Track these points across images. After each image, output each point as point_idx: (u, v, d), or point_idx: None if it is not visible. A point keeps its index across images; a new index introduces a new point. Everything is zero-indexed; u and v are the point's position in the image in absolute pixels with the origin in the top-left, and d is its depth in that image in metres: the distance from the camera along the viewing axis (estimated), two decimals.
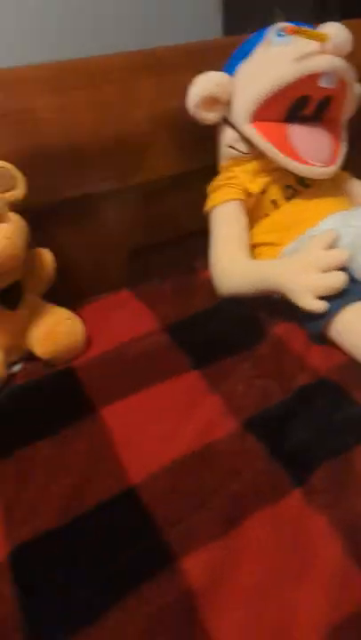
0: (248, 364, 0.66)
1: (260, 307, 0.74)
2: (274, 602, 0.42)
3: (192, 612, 0.42)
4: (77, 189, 0.80)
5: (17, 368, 0.71)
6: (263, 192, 0.81)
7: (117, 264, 0.88)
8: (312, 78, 0.73)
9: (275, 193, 0.81)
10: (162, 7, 1.68)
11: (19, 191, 0.69)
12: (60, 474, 0.55)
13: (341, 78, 0.76)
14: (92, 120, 0.80)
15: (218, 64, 0.82)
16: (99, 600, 0.43)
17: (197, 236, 0.82)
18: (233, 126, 0.81)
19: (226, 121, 0.82)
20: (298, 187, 0.81)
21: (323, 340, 0.67)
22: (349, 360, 0.64)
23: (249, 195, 0.81)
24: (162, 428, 0.59)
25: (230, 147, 0.83)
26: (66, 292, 0.79)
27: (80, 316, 0.75)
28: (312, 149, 0.79)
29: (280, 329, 0.71)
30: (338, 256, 0.66)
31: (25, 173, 0.71)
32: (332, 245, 0.68)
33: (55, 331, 0.71)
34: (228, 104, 0.80)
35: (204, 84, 0.79)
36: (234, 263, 0.77)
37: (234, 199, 0.81)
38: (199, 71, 0.80)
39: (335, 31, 0.73)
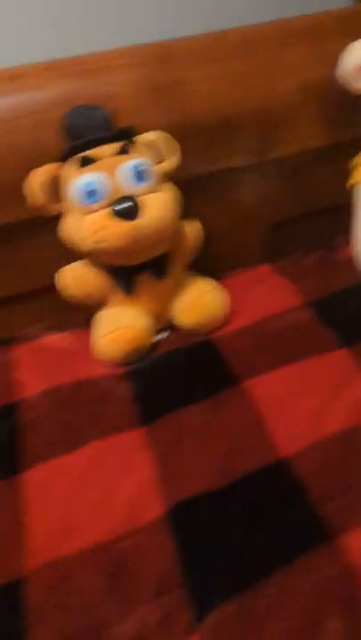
0: None
1: None
2: None
3: (356, 589, 0.41)
4: (223, 162, 0.80)
5: (161, 336, 0.73)
6: None
7: (258, 238, 0.87)
8: None
9: None
10: None
11: (174, 160, 0.70)
12: (210, 440, 0.56)
13: None
14: (240, 91, 0.79)
15: None
16: (258, 563, 0.44)
17: (339, 210, 0.79)
18: None
19: None
20: None
21: None
22: None
23: None
24: (311, 404, 0.58)
25: None
26: (207, 265, 0.79)
27: None
28: None
29: None
30: None
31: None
32: None
33: (199, 302, 0.72)
34: None
35: (359, 52, 0.75)
36: None
37: None
38: (353, 38, 0.76)
39: None
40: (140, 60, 0.77)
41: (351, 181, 0.79)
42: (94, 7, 1.11)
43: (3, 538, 0.49)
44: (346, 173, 0.80)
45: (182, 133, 0.74)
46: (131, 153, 0.66)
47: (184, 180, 0.75)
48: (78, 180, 0.64)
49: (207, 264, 0.80)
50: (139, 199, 0.64)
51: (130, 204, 0.63)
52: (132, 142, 0.68)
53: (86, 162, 0.65)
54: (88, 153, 0.65)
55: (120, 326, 0.69)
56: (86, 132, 0.66)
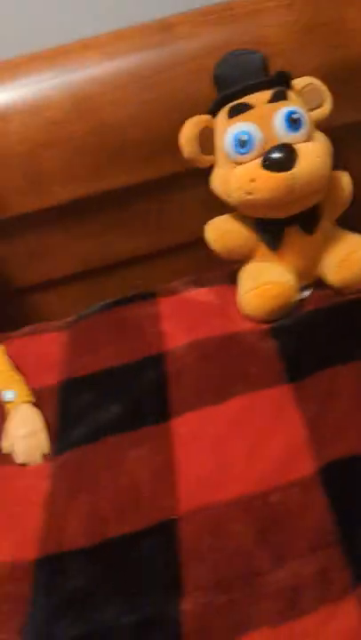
0: None
1: None
2: None
3: None
4: None
5: (306, 293, 0.71)
6: None
7: None
8: None
9: None
10: None
11: (326, 107, 0.66)
12: None
13: None
14: None
15: None
16: None
17: None
18: None
19: None
20: None
21: None
22: None
23: None
24: None
25: None
26: (355, 221, 0.75)
27: None
28: None
29: None
30: None
31: (330, 90, 0.67)
32: None
33: (350, 258, 0.68)
34: None
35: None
36: None
37: None
38: None
39: None
40: None
41: None
42: None
43: (157, 479, 0.51)
44: None
45: (339, 77, 0.69)
46: (286, 100, 0.63)
47: (336, 128, 0.70)
48: (230, 130, 0.63)
49: (355, 219, 0.75)
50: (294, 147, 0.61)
51: (285, 154, 0.60)
52: (287, 88, 0.64)
53: (238, 110, 0.63)
54: (242, 100, 0.63)
55: (266, 282, 0.68)
56: (240, 79, 0.64)
